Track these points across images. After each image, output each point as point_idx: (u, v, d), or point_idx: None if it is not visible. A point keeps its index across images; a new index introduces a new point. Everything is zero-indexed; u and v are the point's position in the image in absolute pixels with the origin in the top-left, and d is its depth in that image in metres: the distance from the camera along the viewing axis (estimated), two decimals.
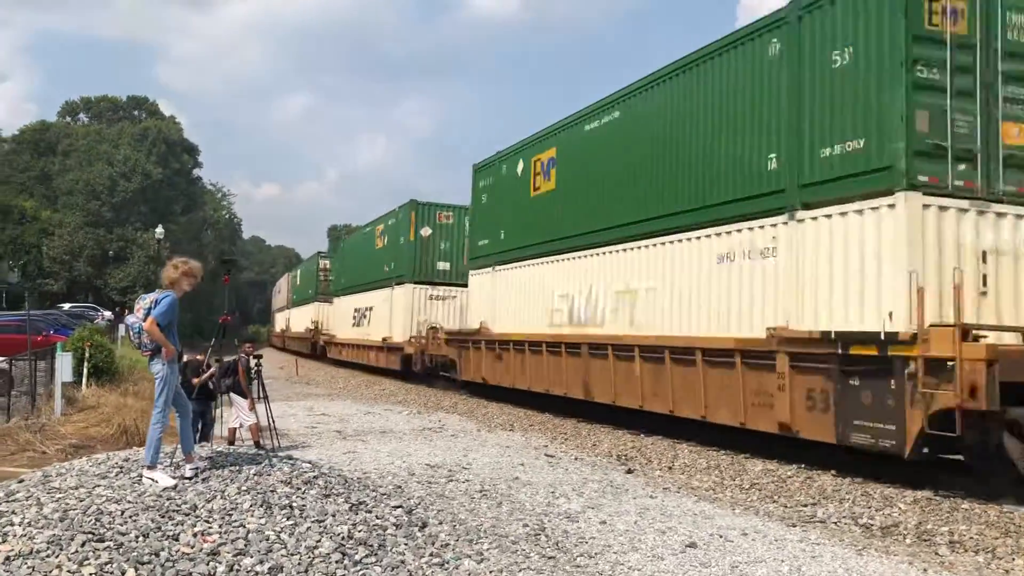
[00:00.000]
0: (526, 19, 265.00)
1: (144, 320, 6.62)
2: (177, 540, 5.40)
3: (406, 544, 6.16)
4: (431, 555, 6.16)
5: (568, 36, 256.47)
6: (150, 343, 6.66)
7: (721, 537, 7.83)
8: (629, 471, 11.70)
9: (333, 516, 6.24)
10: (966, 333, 9.44)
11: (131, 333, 6.80)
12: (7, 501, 5.90)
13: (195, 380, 11.66)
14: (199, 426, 11.77)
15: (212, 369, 11.88)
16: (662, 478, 11.27)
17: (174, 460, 6.98)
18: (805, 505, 9.60)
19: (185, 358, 11.26)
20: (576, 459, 12.72)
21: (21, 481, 6.59)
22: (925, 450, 9.90)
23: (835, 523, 8.75)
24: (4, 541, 5.12)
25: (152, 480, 6.39)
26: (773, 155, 12.44)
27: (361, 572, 5.55)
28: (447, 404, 21.86)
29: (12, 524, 5.39)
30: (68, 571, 4.89)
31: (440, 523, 7.13)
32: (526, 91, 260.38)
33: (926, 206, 10.38)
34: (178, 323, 6.94)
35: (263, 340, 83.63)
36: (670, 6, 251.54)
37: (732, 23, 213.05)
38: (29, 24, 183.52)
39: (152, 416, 6.82)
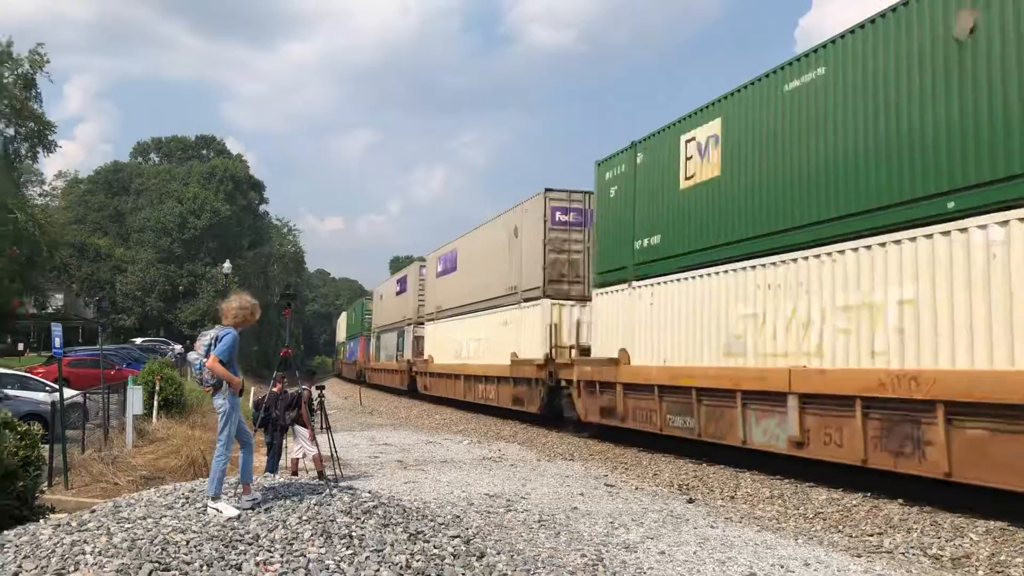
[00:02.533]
0: (583, 51, 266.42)
1: (206, 357, 6.82)
2: (240, 569, 5.52)
3: (463, 574, 6.20)
4: None
5: (625, 66, 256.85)
6: (211, 378, 6.85)
7: (783, 568, 7.70)
8: (690, 500, 11.57)
9: (392, 546, 6.31)
10: None
11: (192, 369, 7.00)
12: (79, 531, 6.10)
13: (275, 413, 12.03)
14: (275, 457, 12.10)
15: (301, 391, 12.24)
16: (724, 508, 11.12)
17: (236, 491, 7.14)
18: (871, 535, 9.38)
19: (274, 389, 11.57)
20: (636, 489, 12.62)
21: (93, 511, 6.81)
22: None
23: (902, 554, 8.53)
24: (76, 570, 5.30)
25: (217, 510, 6.55)
26: None
27: None
28: (507, 434, 21.88)
29: (84, 553, 5.58)
30: None
31: (498, 553, 7.15)
32: (583, 121, 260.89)
33: None
34: (240, 356, 7.13)
35: (328, 369, 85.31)
36: (727, 35, 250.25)
37: (791, 48, 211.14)
38: (104, 69, 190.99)
39: (216, 448, 6.99)
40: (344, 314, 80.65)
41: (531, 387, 23.19)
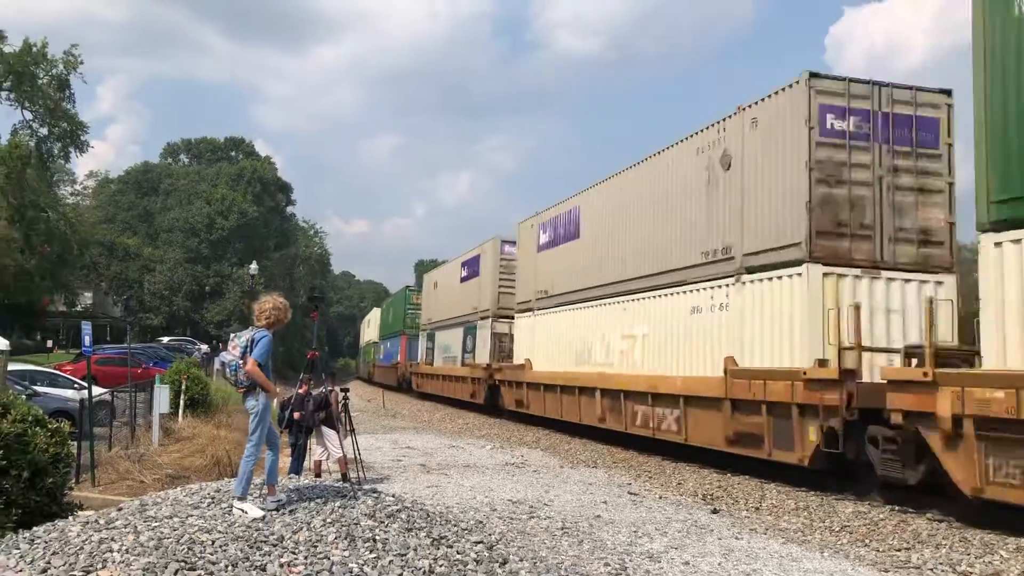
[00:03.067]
0: (610, 58, 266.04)
1: (241, 359, 6.83)
2: (264, 570, 5.54)
3: None
4: None
5: (653, 74, 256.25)
6: (246, 380, 6.85)
7: None
8: (714, 511, 11.49)
9: (415, 550, 6.31)
10: None
11: (227, 370, 6.98)
12: (107, 528, 6.16)
13: (297, 414, 12.08)
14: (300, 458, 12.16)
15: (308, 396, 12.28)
16: (748, 519, 11.02)
17: (262, 492, 7.18)
18: (899, 550, 9.26)
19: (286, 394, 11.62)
20: (660, 498, 12.55)
21: (120, 509, 6.87)
22: None
23: (931, 570, 8.41)
24: (104, 567, 5.35)
25: (242, 511, 6.58)
26: None
27: None
28: (530, 439, 21.85)
29: (111, 551, 5.62)
30: None
31: (521, 560, 7.12)
32: (610, 126, 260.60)
33: None
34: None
35: (351, 371, 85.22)
36: (756, 43, 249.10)
37: (820, 57, 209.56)
38: (135, 70, 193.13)
39: (246, 449, 7.01)
40: (375, 311, 72.85)
41: (781, 418, 13.60)
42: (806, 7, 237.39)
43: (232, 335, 7.21)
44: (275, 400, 7.20)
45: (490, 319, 31.45)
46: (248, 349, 6.81)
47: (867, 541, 9.72)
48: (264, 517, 6.51)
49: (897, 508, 11.44)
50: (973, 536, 9.83)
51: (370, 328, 73.45)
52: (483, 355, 31.60)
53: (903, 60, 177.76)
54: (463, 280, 35.66)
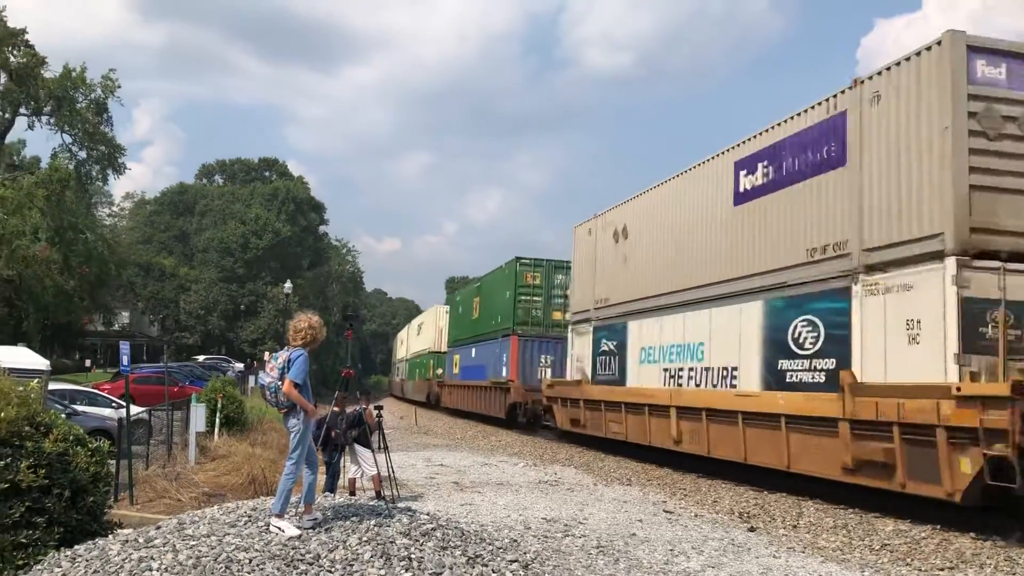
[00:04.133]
0: (640, 74, 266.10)
1: (280, 380, 6.88)
2: None
3: None
4: None
5: (682, 90, 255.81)
6: (286, 400, 6.90)
7: None
8: (751, 529, 11.35)
9: (450, 569, 6.30)
10: None
11: (267, 392, 7.02)
12: (146, 546, 6.21)
13: (334, 432, 12.13)
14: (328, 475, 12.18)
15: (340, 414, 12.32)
16: (786, 537, 10.88)
17: (298, 511, 7.21)
18: (941, 569, 9.09)
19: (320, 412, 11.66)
20: (696, 516, 12.43)
21: (159, 528, 6.93)
22: None
23: None
24: None
25: (279, 529, 6.62)
26: None
27: None
28: (563, 457, 21.75)
29: (151, 570, 5.68)
30: None
31: None
32: (640, 143, 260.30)
33: None
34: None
35: (384, 388, 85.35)
36: (786, 58, 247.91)
37: (852, 69, 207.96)
38: (171, 93, 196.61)
39: (285, 467, 7.04)
40: (426, 315, 59.93)
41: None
42: (836, 21, 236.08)
43: (269, 357, 7.27)
44: (314, 419, 7.21)
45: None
46: (285, 369, 6.85)
47: (909, 560, 9.55)
48: (300, 536, 6.53)
49: (939, 527, 11.23)
50: (1018, 555, 9.62)
51: (420, 336, 59.50)
52: None
53: None
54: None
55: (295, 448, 6.92)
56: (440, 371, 48.18)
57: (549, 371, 29.77)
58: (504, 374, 31.63)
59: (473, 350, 38.29)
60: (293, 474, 6.93)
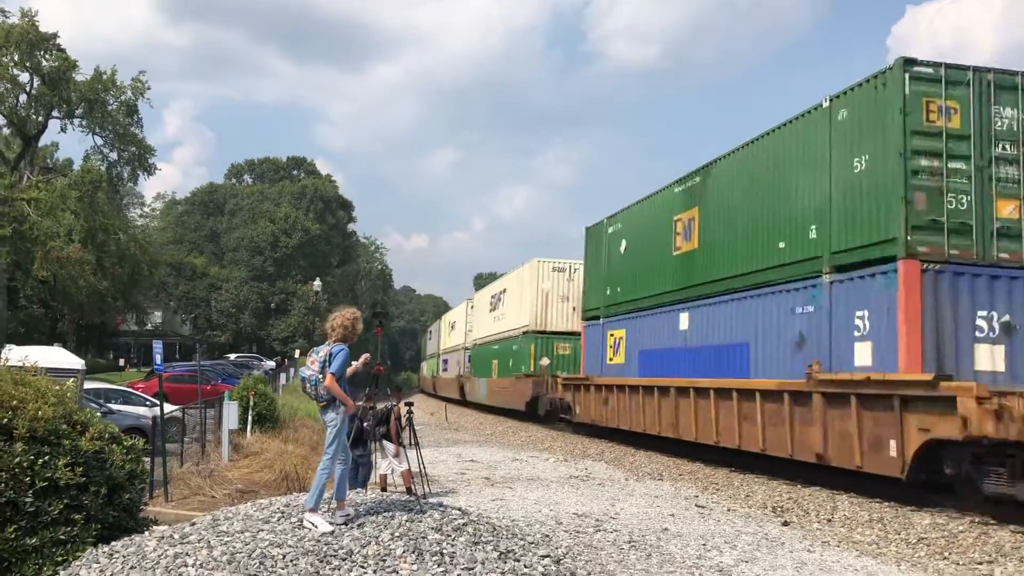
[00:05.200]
0: (666, 67, 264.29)
1: (320, 373, 6.94)
2: None
3: None
4: None
5: (710, 81, 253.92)
6: (326, 394, 6.96)
7: None
8: (785, 523, 11.26)
9: (482, 564, 6.30)
10: None
11: (307, 384, 7.09)
12: (182, 543, 6.28)
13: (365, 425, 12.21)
14: (357, 472, 12.23)
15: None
16: (820, 531, 10.77)
17: (331, 506, 7.25)
18: (980, 563, 8.95)
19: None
20: (728, 510, 12.35)
21: (193, 524, 7.00)
22: None
23: None
24: None
25: (312, 524, 6.66)
26: None
27: None
28: (593, 452, 21.71)
29: (187, 565, 5.73)
30: None
31: (588, 574, 7.08)
32: (668, 136, 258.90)
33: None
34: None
35: (414, 385, 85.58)
36: (818, 47, 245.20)
37: (884, 58, 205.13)
38: (199, 94, 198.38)
39: (321, 462, 7.09)
40: (512, 276, 39.41)
41: None
42: (865, 8, 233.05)
43: (311, 351, 7.32)
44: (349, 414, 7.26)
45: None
46: (327, 363, 6.92)
47: (946, 554, 9.42)
48: (333, 531, 6.57)
49: (978, 520, 11.07)
50: None
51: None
52: None
53: (972, 57, 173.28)
54: None
55: (331, 443, 6.97)
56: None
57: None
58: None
59: (636, 322, 22.76)
60: (328, 468, 6.98)
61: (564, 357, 31.64)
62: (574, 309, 31.01)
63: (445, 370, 59.86)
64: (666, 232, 20.76)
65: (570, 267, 32.74)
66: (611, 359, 24.09)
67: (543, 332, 32.53)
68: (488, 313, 43.66)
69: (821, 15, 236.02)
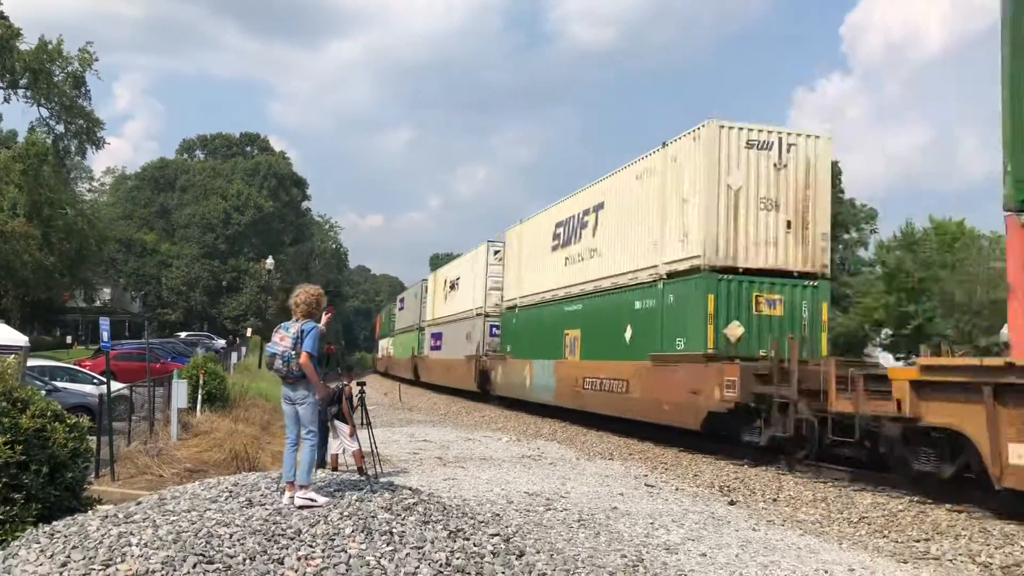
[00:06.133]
0: (624, 48, 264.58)
1: (293, 349, 6.89)
2: (282, 563, 5.56)
3: (503, 572, 6.19)
4: None
5: (667, 63, 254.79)
6: (298, 370, 6.91)
7: (826, 573, 7.60)
8: (731, 503, 11.45)
9: (432, 543, 6.31)
10: None
11: (278, 360, 6.98)
12: (126, 522, 6.19)
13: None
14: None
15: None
16: (766, 510, 10.99)
17: (280, 486, 7.20)
18: (917, 541, 9.21)
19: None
20: (677, 489, 12.53)
21: (139, 503, 6.91)
22: None
23: (950, 560, 8.37)
24: (123, 561, 5.38)
25: (311, 500, 6.70)
26: None
27: None
28: (546, 432, 21.85)
29: (131, 545, 5.66)
30: None
31: (537, 552, 7.13)
32: (626, 117, 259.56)
33: None
34: None
35: (368, 366, 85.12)
36: (769, 31, 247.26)
37: (838, 48, 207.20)
38: (152, 67, 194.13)
39: (306, 439, 7.07)
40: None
41: None
42: None
43: (278, 327, 7.24)
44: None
45: None
46: (299, 340, 6.88)
47: (886, 532, 9.67)
48: (331, 502, 6.67)
49: (916, 499, 11.37)
50: (993, 526, 9.76)
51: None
52: None
53: (920, 51, 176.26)
54: None
55: (311, 419, 7.00)
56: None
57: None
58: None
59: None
60: (314, 443, 7.03)
61: None
62: None
63: (438, 348, 42.35)
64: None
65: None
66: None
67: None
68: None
69: (780, 2, 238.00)
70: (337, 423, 12.79)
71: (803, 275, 16.89)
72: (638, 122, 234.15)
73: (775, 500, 11.75)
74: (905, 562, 8.24)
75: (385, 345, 66.58)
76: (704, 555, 8.14)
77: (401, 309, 57.05)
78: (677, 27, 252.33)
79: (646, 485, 12.80)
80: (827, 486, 12.72)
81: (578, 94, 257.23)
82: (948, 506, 10.87)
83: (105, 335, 12.81)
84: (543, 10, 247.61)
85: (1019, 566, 8.14)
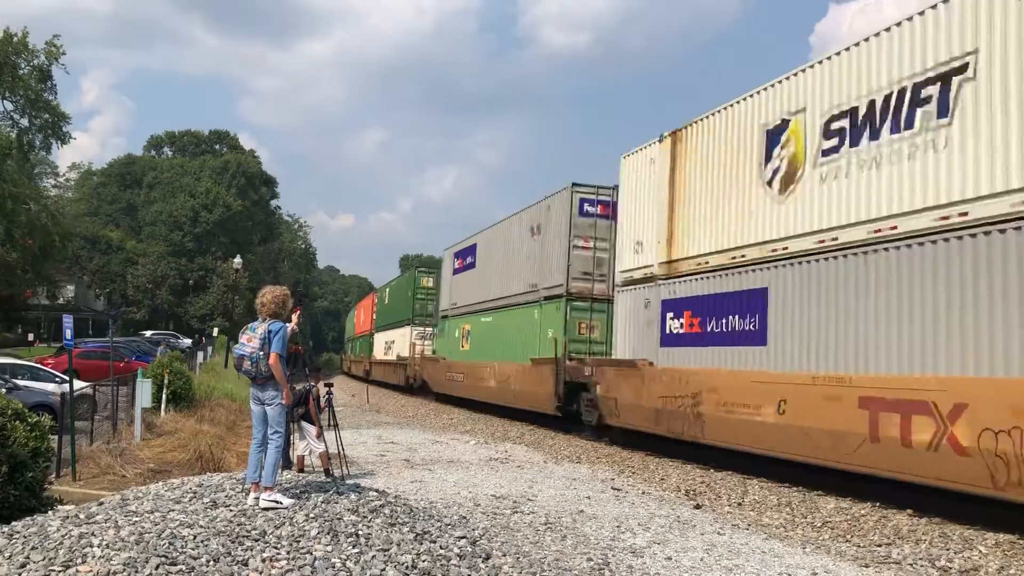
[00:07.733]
0: (597, 53, 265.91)
1: (261, 350, 6.85)
2: (246, 565, 5.51)
3: (469, 575, 6.19)
4: None
5: (639, 68, 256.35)
6: (267, 371, 6.87)
7: None
8: (697, 506, 11.53)
9: (398, 545, 6.30)
10: None
11: (247, 362, 6.94)
12: (87, 523, 6.12)
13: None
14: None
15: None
16: (731, 514, 11.07)
17: (245, 487, 7.15)
18: (879, 545, 9.33)
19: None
20: (643, 493, 12.59)
21: (101, 504, 6.83)
22: None
23: (910, 565, 8.48)
24: (84, 562, 5.31)
25: (276, 502, 6.64)
26: None
27: None
28: (514, 435, 21.86)
29: (92, 546, 5.58)
30: None
31: (504, 555, 7.13)
32: (598, 122, 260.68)
33: None
34: None
35: (337, 367, 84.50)
36: (742, 39, 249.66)
37: (807, 55, 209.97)
38: (119, 62, 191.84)
39: (273, 440, 7.02)
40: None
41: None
42: (791, 4, 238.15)
43: (245, 327, 7.20)
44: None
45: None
46: (267, 341, 6.83)
47: (848, 536, 9.79)
48: (296, 504, 6.62)
49: (879, 504, 11.52)
50: (952, 531, 9.92)
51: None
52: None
53: None
54: None
55: (280, 420, 6.96)
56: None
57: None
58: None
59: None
60: (281, 444, 7.01)
61: None
62: None
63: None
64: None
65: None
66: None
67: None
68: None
69: (750, 9, 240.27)
70: (304, 424, 12.69)
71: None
72: (607, 126, 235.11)
73: (740, 504, 11.85)
74: (867, 566, 8.35)
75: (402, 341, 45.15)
76: (670, 559, 8.19)
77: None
78: (647, 34, 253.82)
79: (613, 488, 12.85)
80: (791, 491, 12.85)
81: (550, 99, 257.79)
82: (910, 511, 11.02)
83: (68, 333, 12.64)
84: (516, 14, 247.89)
85: (977, 570, 8.28)
